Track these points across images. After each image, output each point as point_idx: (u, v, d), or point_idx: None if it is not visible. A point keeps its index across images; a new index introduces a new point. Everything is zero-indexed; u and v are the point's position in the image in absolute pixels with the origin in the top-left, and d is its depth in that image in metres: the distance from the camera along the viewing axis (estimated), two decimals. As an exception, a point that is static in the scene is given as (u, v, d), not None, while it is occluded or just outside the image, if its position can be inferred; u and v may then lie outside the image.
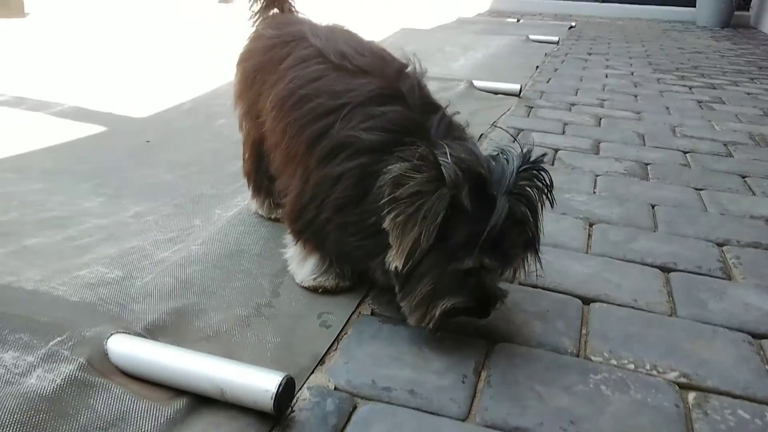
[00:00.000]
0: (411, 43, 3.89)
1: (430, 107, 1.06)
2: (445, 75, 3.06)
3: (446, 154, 0.89)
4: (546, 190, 0.96)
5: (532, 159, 0.94)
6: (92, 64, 3.16)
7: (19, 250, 1.17)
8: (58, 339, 0.85)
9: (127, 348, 0.84)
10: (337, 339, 1.00)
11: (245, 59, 1.31)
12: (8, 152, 1.81)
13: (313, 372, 0.92)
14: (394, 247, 0.91)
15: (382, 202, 0.89)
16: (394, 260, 0.91)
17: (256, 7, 1.40)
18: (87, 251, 1.19)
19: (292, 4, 1.46)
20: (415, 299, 0.94)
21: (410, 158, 0.87)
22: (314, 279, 1.11)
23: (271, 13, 1.42)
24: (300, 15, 1.42)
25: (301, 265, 1.13)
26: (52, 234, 1.27)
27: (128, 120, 2.21)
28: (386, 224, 0.90)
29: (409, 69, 1.11)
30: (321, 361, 0.95)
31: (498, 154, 0.96)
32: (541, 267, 1.00)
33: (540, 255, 0.98)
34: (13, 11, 4.63)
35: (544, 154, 0.98)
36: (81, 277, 1.06)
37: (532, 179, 0.94)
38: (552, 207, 0.98)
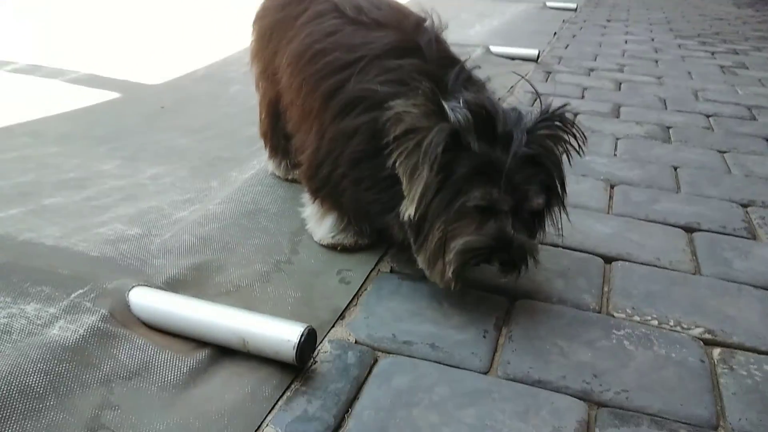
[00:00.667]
0: (425, 10, 3.83)
1: (449, 61, 1.04)
2: (461, 41, 3.00)
3: (458, 98, 0.87)
4: (569, 137, 0.93)
5: (552, 110, 0.92)
6: (105, 32, 3.14)
7: (38, 209, 1.17)
8: (80, 291, 0.86)
9: (148, 300, 0.84)
10: (356, 295, 1.00)
11: (261, 17, 1.28)
12: (24, 117, 1.81)
13: (333, 326, 0.92)
14: (406, 194, 0.89)
15: (385, 141, 0.87)
16: (407, 208, 0.89)
17: None
18: (106, 210, 1.19)
19: None
20: (429, 248, 0.90)
21: (414, 96, 0.86)
22: (333, 237, 1.10)
23: None
24: None
25: (319, 224, 1.12)
26: (70, 194, 1.27)
27: (142, 87, 2.19)
28: (393, 165, 0.89)
29: (427, 23, 1.09)
30: (341, 316, 0.94)
31: (515, 108, 0.93)
32: (568, 218, 0.97)
33: (564, 205, 0.95)
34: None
35: (565, 104, 0.95)
36: (101, 234, 1.06)
37: (553, 129, 0.91)
38: (581, 155, 0.95)
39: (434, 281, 0.95)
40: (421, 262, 0.95)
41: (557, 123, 0.91)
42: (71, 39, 2.94)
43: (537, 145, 0.88)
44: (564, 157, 0.94)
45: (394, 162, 0.89)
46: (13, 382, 0.70)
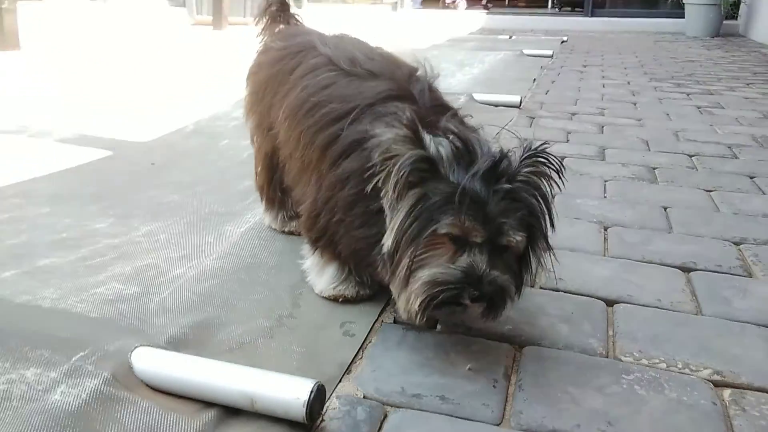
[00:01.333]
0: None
1: (441, 108, 1.06)
2: (444, 89, 3.07)
3: (440, 130, 0.88)
4: (551, 172, 0.91)
5: (534, 147, 0.91)
6: (91, 92, 3.17)
7: (32, 271, 1.15)
8: (81, 354, 0.83)
9: (151, 361, 0.82)
10: (361, 347, 0.98)
11: (255, 72, 1.31)
12: (14, 179, 1.79)
13: (340, 381, 0.90)
14: (387, 226, 0.88)
15: (376, 177, 0.88)
16: (387, 240, 0.88)
17: (262, 23, 1.40)
18: (101, 270, 1.17)
19: (298, 18, 1.46)
20: (398, 277, 0.87)
21: (395, 124, 0.87)
22: (333, 288, 1.09)
23: (277, 29, 1.43)
24: (307, 27, 1.42)
25: (320, 275, 1.11)
26: (64, 254, 1.25)
27: (131, 144, 2.20)
28: (381, 197, 0.89)
29: (419, 72, 1.11)
30: (348, 370, 0.93)
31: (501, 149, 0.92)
32: (554, 258, 0.96)
33: (549, 245, 0.93)
34: (8, 44, 4.65)
35: (545, 142, 0.94)
36: (98, 294, 1.04)
37: (536, 165, 0.90)
38: (561, 190, 0.95)
39: (401, 313, 0.93)
40: (393, 291, 0.93)
41: (540, 158, 0.90)
42: (56, 100, 2.95)
43: (520, 182, 0.87)
44: (549, 192, 0.92)
45: (382, 193, 0.89)
46: (13, 453, 0.68)
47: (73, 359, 0.82)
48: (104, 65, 4.02)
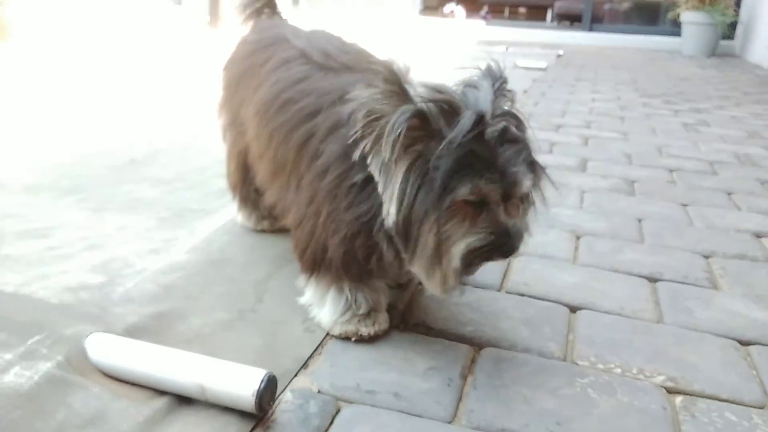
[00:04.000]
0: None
1: None
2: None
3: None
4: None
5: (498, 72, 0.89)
6: (75, 84, 3.18)
7: (-1, 258, 1.15)
8: (37, 338, 0.84)
9: (105, 347, 0.83)
10: (321, 344, 0.99)
11: (228, 67, 1.30)
12: (-7, 167, 1.80)
13: (296, 375, 0.90)
14: (383, 196, 0.83)
15: (352, 133, 0.82)
16: (388, 213, 0.82)
17: (243, 16, 1.39)
18: (68, 259, 1.18)
19: (279, 10, 1.43)
20: (425, 256, 0.82)
21: (375, 81, 0.81)
22: (343, 321, 0.99)
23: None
24: (283, 19, 1.40)
25: (321, 306, 1.01)
26: (33, 243, 1.26)
27: (112, 139, 2.20)
28: (364, 162, 0.84)
29: (395, 66, 1.09)
30: (305, 365, 0.93)
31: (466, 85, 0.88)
32: (554, 186, 0.93)
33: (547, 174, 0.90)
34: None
35: (496, 63, 0.90)
36: (61, 282, 1.05)
37: (504, 91, 0.88)
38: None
39: (433, 290, 0.89)
40: (417, 272, 0.87)
41: (503, 82, 0.89)
42: (39, 92, 2.96)
43: (505, 116, 0.84)
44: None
45: (365, 159, 0.84)
46: (-42, 432, 0.68)
47: (29, 342, 0.83)
48: (94, 59, 4.03)
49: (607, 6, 8.05)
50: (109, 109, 2.68)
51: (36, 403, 0.74)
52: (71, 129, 2.30)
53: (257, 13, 1.39)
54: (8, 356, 0.81)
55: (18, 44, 4.50)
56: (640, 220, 1.62)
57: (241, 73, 1.22)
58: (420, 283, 1.00)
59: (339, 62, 1.05)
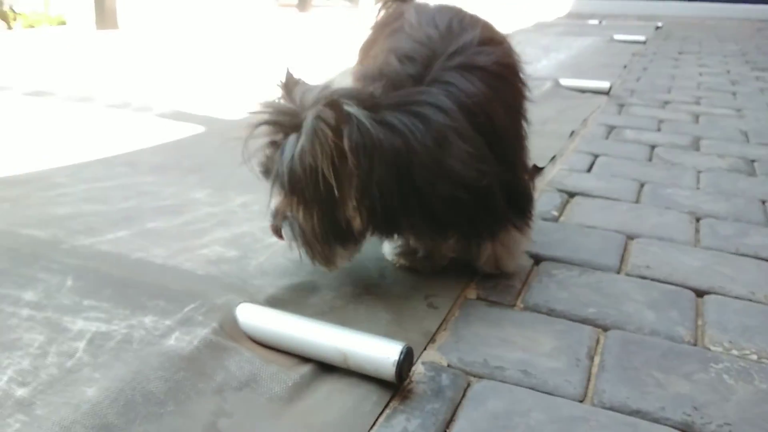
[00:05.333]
0: (492, 46, 3.88)
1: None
2: (529, 75, 3.03)
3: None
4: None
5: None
6: (185, 70, 3.34)
7: (143, 232, 1.25)
8: (192, 305, 0.91)
9: (254, 316, 0.89)
10: (445, 319, 1.02)
11: (361, 46, 1.33)
12: (120, 149, 1.94)
13: (425, 349, 0.94)
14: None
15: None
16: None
17: None
18: (204, 234, 1.26)
19: None
20: None
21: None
22: (396, 255, 1.16)
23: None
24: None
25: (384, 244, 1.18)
26: (169, 219, 1.35)
27: (224, 121, 2.31)
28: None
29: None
30: (432, 339, 0.96)
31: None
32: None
33: None
34: (108, 23, 4.96)
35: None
36: (203, 255, 1.13)
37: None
38: None
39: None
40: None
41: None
42: (153, 77, 3.14)
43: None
44: None
45: None
46: (136, 387, 0.76)
47: (185, 310, 0.91)
48: (195, 45, 4.21)
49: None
50: (214, 91, 2.81)
51: (197, 366, 0.81)
52: (183, 111, 2.43)
53: None
54: (168, 322, 0.89)
55: (126, 31, 4.78)
56: (764, 202, 1.53)
57: (366, 45, 1.27)
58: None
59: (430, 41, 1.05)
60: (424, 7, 1.19)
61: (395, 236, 1.09)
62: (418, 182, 0.94)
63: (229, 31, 4.99)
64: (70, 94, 2.71)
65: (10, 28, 5.38)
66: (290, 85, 0.98)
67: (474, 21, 1.14)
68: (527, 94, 1.17)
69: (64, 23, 5.61)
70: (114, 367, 0.80)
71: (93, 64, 3.49)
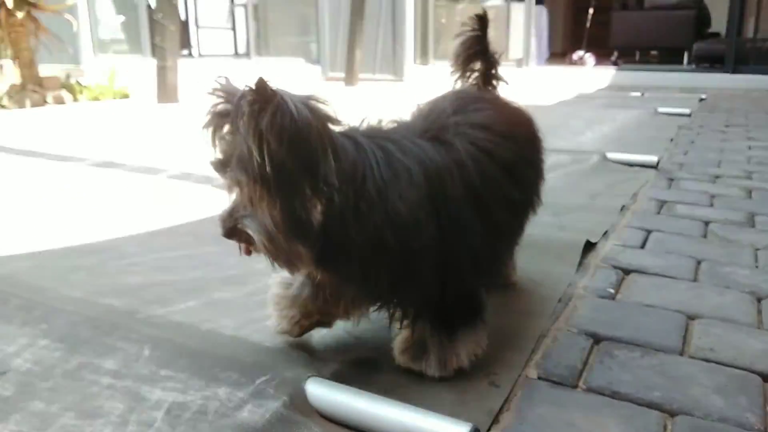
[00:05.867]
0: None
1: None
2: (573, 148, 3.07)
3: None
4: None
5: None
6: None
7: (211, 302, 1.31)
8: (263, 378, 0.95)
9: (324, 392, 0.92)
10: (507, 399, 1.02)
11: None
12: (185, 219, 2.04)
13: (489, 430, 0.94)
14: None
15: None
16: None
17: (456, 65, 1.36)
18: (267, 306, 1.31)
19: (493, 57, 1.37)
20: None
21: None
22: None
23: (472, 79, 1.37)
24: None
25: None
26: (234, 290, 1.41)
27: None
28: None
29: None
30: (495, 420, 0.96)
31: None
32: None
33: None
34: (169, 97, 5.27)
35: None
36: (268, 326, 1.17)
37: None
38: None
39: None
40: None
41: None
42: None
43: None
44: None
45: None
46: (213, 460, 0.79)
47: (257, 382, 0.94)
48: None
49: (751, 45, 7.56)
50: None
51: (269, 439, 0.84)
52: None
53: (469, 60, 1.35)
54: (241, 394, 0.92)
55: (186, 104, 5.07)
56: (829, 283, 1.50)
57: None
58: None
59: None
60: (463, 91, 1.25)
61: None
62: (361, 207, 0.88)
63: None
64: (136, 165, 2.87)
65: (76, 100, 5.78)
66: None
67: (494, 101, 1.21)
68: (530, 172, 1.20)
69: (127, 96, 5.99)
70: (191, 438, 0.83)
71: (156, 136, 3.71)
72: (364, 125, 1.01)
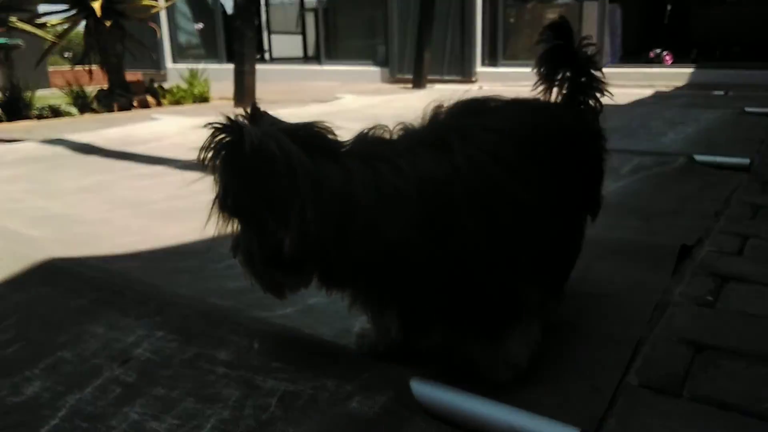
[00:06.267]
0: (610, 120, 3.86)
1: None
2: (656, 149, 2.97)
3: None
4: None
5: None
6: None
7: (306, 309, 1.34)
8: (367, 374, 0.98)
9: (431, 391, 0.94)
10: (609, 405, 1.01)
11: None
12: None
13: (594, 435, 0.94)
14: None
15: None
16: None
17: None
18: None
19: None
20: None
21: None
22: None
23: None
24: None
25: None
26: (325, 297, 1.44)
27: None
28: None
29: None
30: (599, 427, 0.96)
31: None
32: None
33: None
34: (246, 100, 5.45)
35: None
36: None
37: None
38: None
39: None
40: None
41: None
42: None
43: None
44: None
45: None
46: (327, 448, 0.82)
47: (363, 376, 0.97)
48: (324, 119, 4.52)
49: None
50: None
51: (380, 430, 0.87)
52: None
53: (554, 72, 1.29)
54: (349, 387, 0.96)
55: (262, 107, 5.22)
56: None
57: None
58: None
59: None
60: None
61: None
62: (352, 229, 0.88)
63: (351, 103, 5.32)
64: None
65: (159, 104, 6.07)
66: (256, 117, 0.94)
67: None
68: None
69: (207, 100, 6.25)
70: (305, 423, 0.88)
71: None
72: (370, 136, 0.99)
